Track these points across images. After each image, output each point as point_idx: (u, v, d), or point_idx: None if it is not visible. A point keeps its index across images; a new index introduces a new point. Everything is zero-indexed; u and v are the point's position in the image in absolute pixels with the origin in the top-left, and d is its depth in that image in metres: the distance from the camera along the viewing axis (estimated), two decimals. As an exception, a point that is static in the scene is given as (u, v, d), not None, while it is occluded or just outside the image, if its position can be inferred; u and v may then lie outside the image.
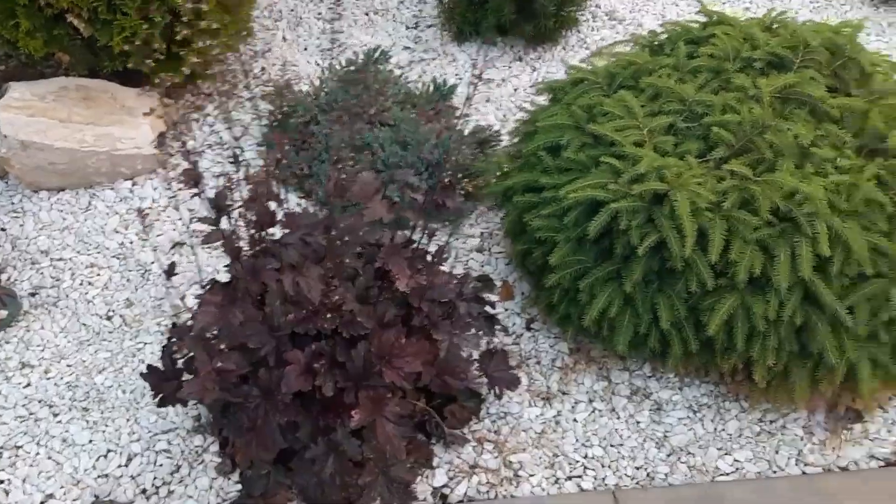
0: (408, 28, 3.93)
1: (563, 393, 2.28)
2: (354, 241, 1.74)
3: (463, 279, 2.09)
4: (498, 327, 2.20)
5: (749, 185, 1.99)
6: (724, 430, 2.19)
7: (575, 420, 2.21)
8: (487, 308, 2.20)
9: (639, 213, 2.02)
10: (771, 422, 2.21)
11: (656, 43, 2.63)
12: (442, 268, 2.14)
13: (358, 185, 2.02)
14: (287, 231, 1.78)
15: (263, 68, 3.63)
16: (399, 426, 1.82)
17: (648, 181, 2.03)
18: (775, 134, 2.11)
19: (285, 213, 1.92)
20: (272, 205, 1.76)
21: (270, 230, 1.84)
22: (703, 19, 2.67)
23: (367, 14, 4.03)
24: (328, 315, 1.71)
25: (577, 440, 2.16)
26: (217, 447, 2.11)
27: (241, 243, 1.86)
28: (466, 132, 3.00)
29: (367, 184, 2.02)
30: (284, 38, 3.85)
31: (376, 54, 2.99)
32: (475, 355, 2.19)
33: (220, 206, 1.72)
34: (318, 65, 3.60)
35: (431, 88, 3.06)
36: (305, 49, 3.79)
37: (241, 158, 1.91)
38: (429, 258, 2.10)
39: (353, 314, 1.79)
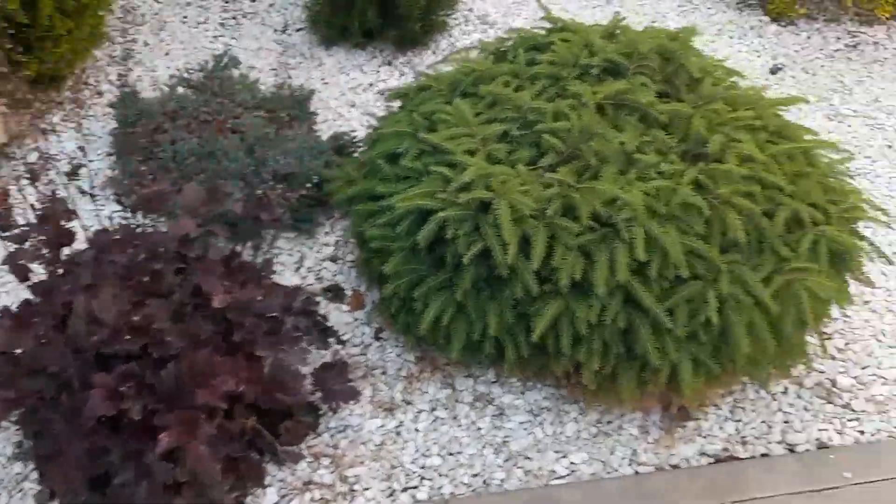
0: (276, 31, 3.87)
1: (407, 403, 2.27)
2: (159, 257, 1.69)
3: (293, 292, 2.05)
4: (332, 339, 2.17)
5: (570, 193, 2.02)
6: (562, 432, 2.22)
7: (416, 430, 2.20)
8: (329, 318, 2.17)
9: (466, 221, 2.02)
10: (608, 423, 2.25)
11: (502, 49, 2.64)
12: (282, 280, 2.11)
13: (184, 197, 1.97)
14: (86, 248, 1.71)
15: (120, 74, 3.51)
16: (215, 447, 1.77)
17: (475, 190, 2.03)
18: (601, 141, 2.14)
19: (98, 230, 1.85)
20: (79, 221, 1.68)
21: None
22: (548, 26, 2.70)
23: (234, 17, 3.95)
24: (128, 336, 1.65)
25: (416, 450, 2.15)
26: (37, 474, 2.02)
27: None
28: (325, 138, 2.97)
29: (191, 196, 1.97)
30: (146, 43, 3.74)
31: (225, 59, 2.91)
32: (314, 368, 2.16)
33: (2, 225, 1.64)
34: (177, 70, 3.50)
35: (288, 94, 3.01)
36: (167, 54, 3.68)
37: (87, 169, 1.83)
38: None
39: (162, 333, 1.74)
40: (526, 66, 2.46)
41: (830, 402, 2.35)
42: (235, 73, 3.00)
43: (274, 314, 1.96)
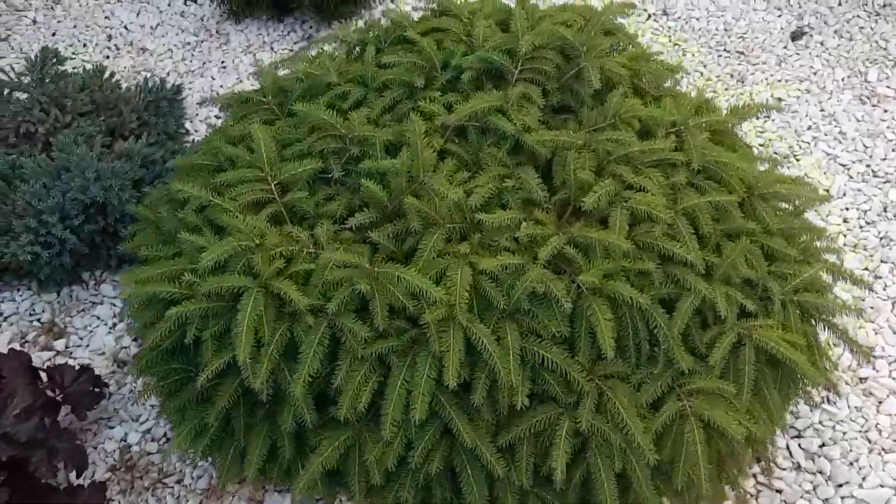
0: (186, 2, 3.28)
1: (197, 527, 1.74)
2: None
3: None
4: (61, 464, 1.64)
5: (360, 279, 1.39)
6: (392, 580, 1.65)
7: (197, 570, 1.68)
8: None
9: (218, 317, 1.44)
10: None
11: (366, 41, 1.99)
12: (92, 340, 1.59)
13: None
14: None
15: (-12, 60, 3.02)
16: None
17: (228, 272, 1.44)
18: (427, 196, 1.49)
19: None
20: None
21: None
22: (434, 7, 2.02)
23: (142, -14, 3.37)
24: None
25: None
26: None
27: None
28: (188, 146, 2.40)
29: None
30: (34, 21, 3.22)
31: (51, 54, 2.36)
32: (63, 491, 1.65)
33: None
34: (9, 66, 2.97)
35: (140, 93, 2.44)
36: (54, 34, 3.16)
37: None
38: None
39: None
40: (378, 70, 1.81)
41: (781, 542, 1.70)
42: (60, 69, 2.41)
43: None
